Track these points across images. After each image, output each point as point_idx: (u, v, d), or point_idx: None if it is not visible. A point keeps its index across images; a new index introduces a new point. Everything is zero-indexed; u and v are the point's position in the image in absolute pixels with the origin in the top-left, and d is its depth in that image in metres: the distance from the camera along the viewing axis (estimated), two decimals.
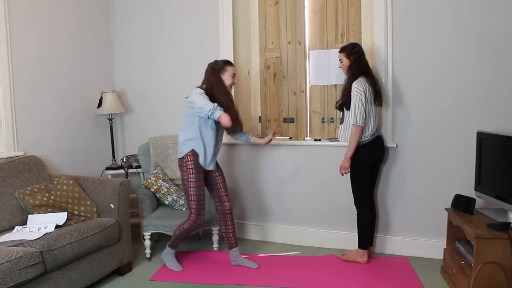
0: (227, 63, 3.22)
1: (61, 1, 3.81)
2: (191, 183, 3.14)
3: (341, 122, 3.35)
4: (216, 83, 3.13)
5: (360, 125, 3.13)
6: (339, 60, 3.30)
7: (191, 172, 3.14)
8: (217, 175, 3.28)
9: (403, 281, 3.03)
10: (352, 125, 3.16)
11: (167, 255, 3.35)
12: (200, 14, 4.06)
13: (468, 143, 3.19)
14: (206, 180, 3.26)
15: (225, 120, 2.94)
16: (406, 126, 3.45)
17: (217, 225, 3.56)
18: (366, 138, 3.24)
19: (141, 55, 4.33)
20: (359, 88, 3.13)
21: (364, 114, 3.13)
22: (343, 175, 3.28)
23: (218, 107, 2.99)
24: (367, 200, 3.35)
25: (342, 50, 3.28)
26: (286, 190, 3.87)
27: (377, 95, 3.28)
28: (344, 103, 3.25)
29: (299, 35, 3.96)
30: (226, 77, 3.18)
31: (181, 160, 3.20)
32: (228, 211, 3.30)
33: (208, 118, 3.02)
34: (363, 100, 3.12)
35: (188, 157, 3.14)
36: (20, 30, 3.42)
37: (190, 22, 4.10)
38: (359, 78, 3.18)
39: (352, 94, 3.15)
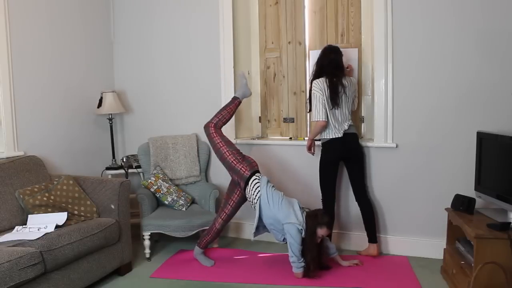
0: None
1: (61, 1, 3.81)
2: None
3: None
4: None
5: (319, 120, 3.26)
6: None
7: None
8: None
9: (401, 281, 3.03)
10: (312, 121, 3.31)
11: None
12: (200, 14, 4.06)
13: (468, 143, 3.19)
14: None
15: (298, 276, 3.09)
16: (406, 126, 3.45)
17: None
18: (325, 138, 3.36)
19: (141, 55, 4.33)
20: (315, 86, 3.31)
21: (323, 110, 3.26)
22: (313, 155, 3.55)
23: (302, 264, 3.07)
24: (330, 198, 3.42)
25: None
26: (285, 189, 3.85)
27: (334, 99, 3.28)
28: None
29: (299, 35, 3.96)
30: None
31: None
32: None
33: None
34: (320, 98, 3.25)
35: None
36: (20, 30, 3.42)
37: (190, 22, 4.10)
38: (319, 78, 3.32)
39: (312, 93, 3.33)
